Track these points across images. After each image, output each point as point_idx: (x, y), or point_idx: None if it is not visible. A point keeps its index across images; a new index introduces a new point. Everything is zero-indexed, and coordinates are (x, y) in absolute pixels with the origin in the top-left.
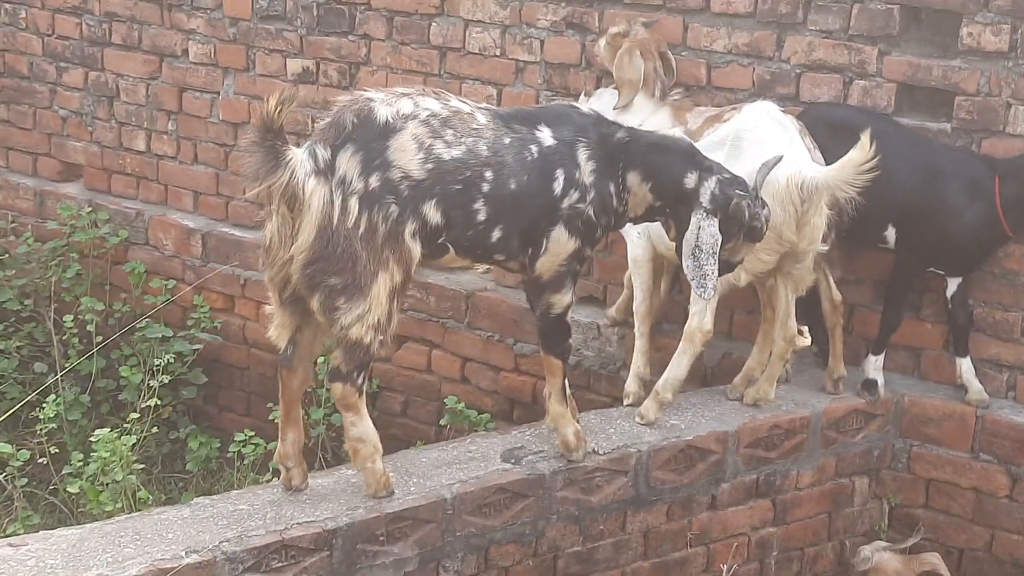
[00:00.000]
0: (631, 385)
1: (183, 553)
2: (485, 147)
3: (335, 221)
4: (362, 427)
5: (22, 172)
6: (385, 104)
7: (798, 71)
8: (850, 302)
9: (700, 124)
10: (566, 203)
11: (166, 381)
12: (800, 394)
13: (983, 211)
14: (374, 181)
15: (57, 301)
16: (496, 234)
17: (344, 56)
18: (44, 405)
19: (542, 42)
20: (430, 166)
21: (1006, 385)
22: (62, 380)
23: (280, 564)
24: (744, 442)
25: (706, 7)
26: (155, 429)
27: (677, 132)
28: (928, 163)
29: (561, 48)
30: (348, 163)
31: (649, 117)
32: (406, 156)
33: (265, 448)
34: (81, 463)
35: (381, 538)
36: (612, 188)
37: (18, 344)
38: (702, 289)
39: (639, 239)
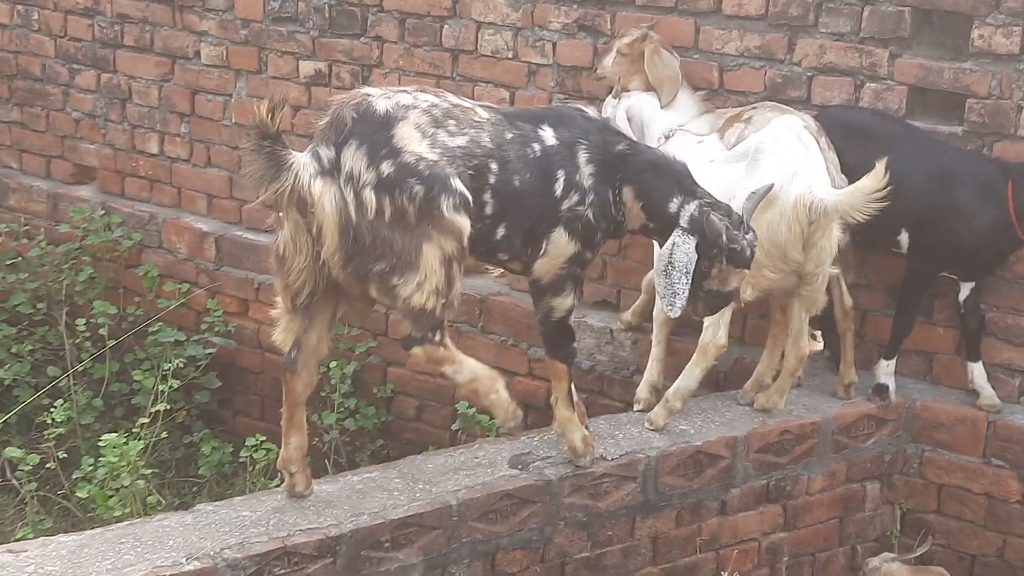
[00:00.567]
0: (642, 391)
1: (184, 560)
2: (488, 139)
3: (354, 217)
4: (466, 368)
5: (35, 174)
6: (383, 98)
7: (809, 74)
8: (862, 307)
9: (721, 124)
10: (566, 205)
11: (178, 386)
12: (811, 399)
13: (996, 216)
14: (387, 168)
15: (70, 305)
16: (500, 231)
17: (356, 58)
18: (54, 409)
19: (554, 44)
20: (439, 150)
21: (1018, 390)
22: (75, 384)
23: (283, 571)
24: (754, 447)
25: (718, 9)
26: (167, 434)
27: (710, 136)
28: (941, 167)
29: (573, 51)
30: (354, 158)
31: (695, 117)
32: (412, 142)
33: (277, 453)
34: (91, 467)
35: (386, 545)
36: (610, 196)
37: (31, 348)
38: (670, 308)
39: None
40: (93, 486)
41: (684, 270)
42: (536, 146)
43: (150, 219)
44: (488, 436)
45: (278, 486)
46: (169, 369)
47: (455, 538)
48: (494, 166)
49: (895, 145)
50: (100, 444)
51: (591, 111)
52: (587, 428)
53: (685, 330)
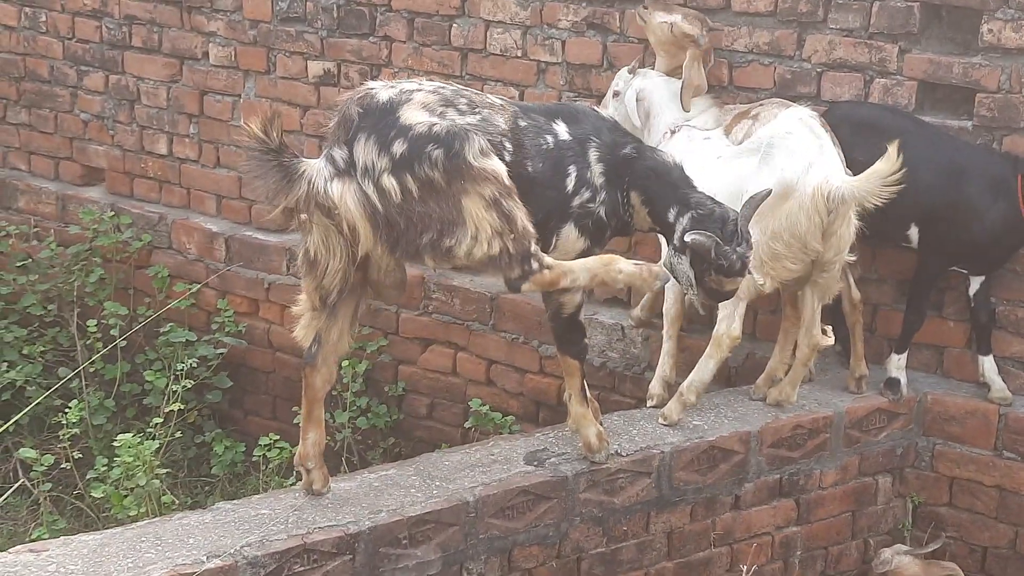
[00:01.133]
0: (655, 387)
1: (204, 558)
2: (502, 121)
3: (380, 206)
4: (580, 273)
5: (44, 176)
6: (386, 88)
7: (819, 70)
8: (873, 301)
9: (729, 121)
10: (577, 201)
11: (190, 386)
12: (823, 393)
13: (1006, 210)
14: (399, 147)
15: (81, 306)
16: None
17: (365, 58)
18: (68, 409)
19: (563, 43)
20: (447, 123)
21: None
22: (86, 385)
23: (302, 568)
24: (767, 442)
25: (727, 6)
26: (180, 433)
27: (716, 132)
28: (951, 162)
29: (582, 49)
30: (365, 151)
31: (701, 113)
32: (421, 118)
33: (290, 452)
34: (105, 468)
35: (404, 542)
36: (619, 196)
37: (42, 349)
38: (690, 290)
39: None
40: (108, 486)
41: (688, 283)
42: (549, 138)
43: (159, 220)
44: (501, 433)
45: (292, 485)
46: (181, 370)
47: (472, 534)
48: (509, 146)
49: (905, 140)
50: (114, 444)
51: (604, 112)
52: (601, 424)
53: (696, 325)
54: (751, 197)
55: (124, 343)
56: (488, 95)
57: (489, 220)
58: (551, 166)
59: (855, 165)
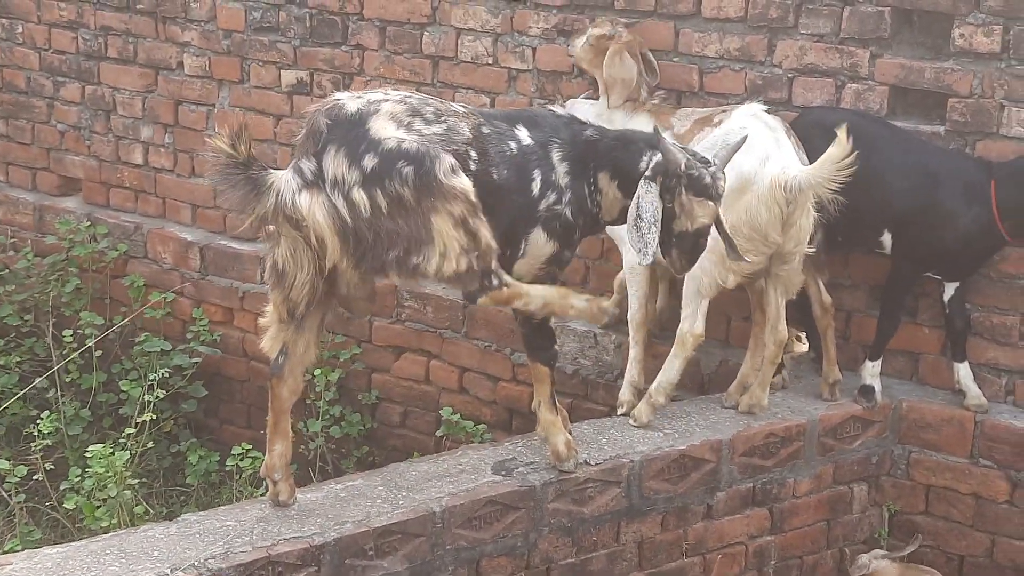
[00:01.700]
0: (625, 394)
1: (168, 571)
2: (467, 129)
3: (349, 219)
4: (533, 293)
5: (21, 187)
6: (354, 99)
7: (790, 75)
8: (847, 307)
9: (689, 127)
10: (543, 204)
11: (162, 396)
12: (796, 401)
13: (979, 215)
14: (369, 161)
15: (57, 316)
16: None
17: (338, 67)
18: (40, 420)
19: (534, 50)
20: (415, 136)
21: (1004, 389)
22: (62, 395)
23: None
24: (739, 451)
25: (697, 12)
26: (154, 443)
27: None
28: (923, 167)
29: (553, 56)
30: (335, 163)
31: (627, 122)
32: (389, 131)
33: (263, 461)
34: (79, 478)
35: (370, 553)
36: (585, 189)
37: (18, 359)
38: (644, 256)
39: None
40: (80, 497)
41: (652, 218)
42: (512, 144)
43: (135, 229)
44: (472, 442)
45: (264, 495)
46: (154, 379)
47: (439, 545)
48: (474, 154)
49: (877, 145)
50: (87, 455)
51: (559, 108)
52: (570, 432)
53: (668, 333)
54: (726, 143)
55: (100, 353)
56: (453, 103)
57: (457, 238)
58: (516, 172)
59: None
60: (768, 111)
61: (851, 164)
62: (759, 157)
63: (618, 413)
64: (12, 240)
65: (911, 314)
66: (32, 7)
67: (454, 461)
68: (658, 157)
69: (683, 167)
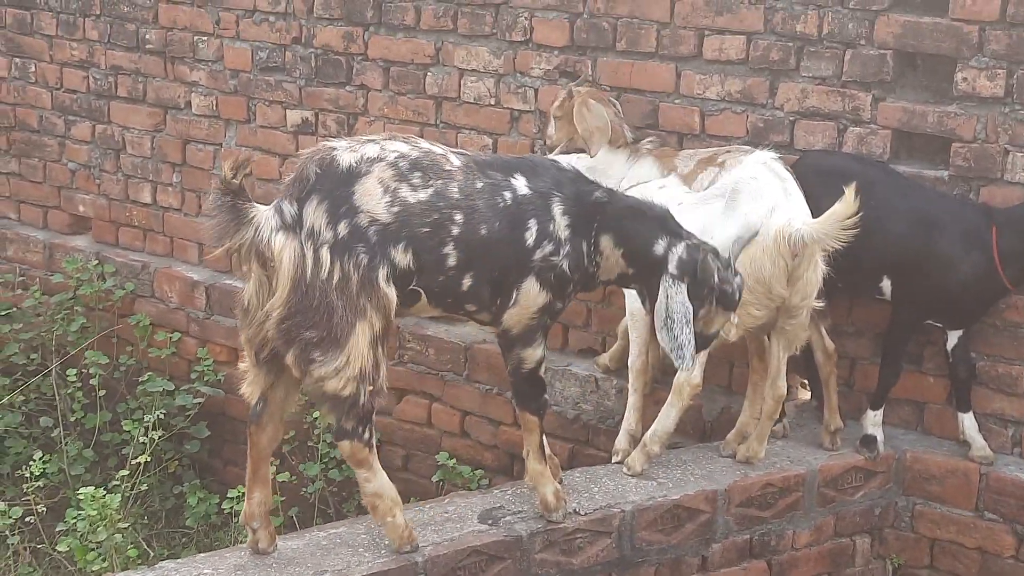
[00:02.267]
0: (621, 441)
1: None
2: (456, 190)
3: (308, 274)
4: (377, 482)
5: (33, 225)
6: (348, 151)
7: (792, 118)
8: (850, 355)
9: (692, 167)
10: (538, 255)
11: (159, 436)
12: (796, 451)
13: (980, 262)
14: (343, 229)
15: (63, 355)
16: (467, 282)
17: (342, 107)
18: (32, 463)
19: (536, 91)
20: (396, 209)
21: (1011, 441)
22: (67, 434)
23: None
24: (735, 501)
25: (698, 54)
26: (150, 484)
27: (669, 179)
28: (923, 212)
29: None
30: (315, 214)
31: (630, 168)
32: (372, 200)
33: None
34: (75, 520)
35: None
36: (585, 248)
37: (24, 398)
38: (680, 360)
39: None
40: (73, 540)
41: (684, 320)
42: (507, 194)
43: (143, 268)
44: (470, 488)
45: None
46: (150, 420)
47: None
48: (459, 217)
49: (875, 190)
50: (79, 497)
51: (564, 162)
52: (560, 481)
53: (670, 379)
54: (740, 237)
55: (104, 392)
56: (450, 156)
57: (363, 360)
58: (508, 222)
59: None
60: (777, 158)
61: (856, 222)
62: (766, 208)
63: (613, 461)
64: (21, 278)
65: (915, 362)
66: (45, 46)
67: (440, 509)
68: (680, 251)
69: (716, 279)
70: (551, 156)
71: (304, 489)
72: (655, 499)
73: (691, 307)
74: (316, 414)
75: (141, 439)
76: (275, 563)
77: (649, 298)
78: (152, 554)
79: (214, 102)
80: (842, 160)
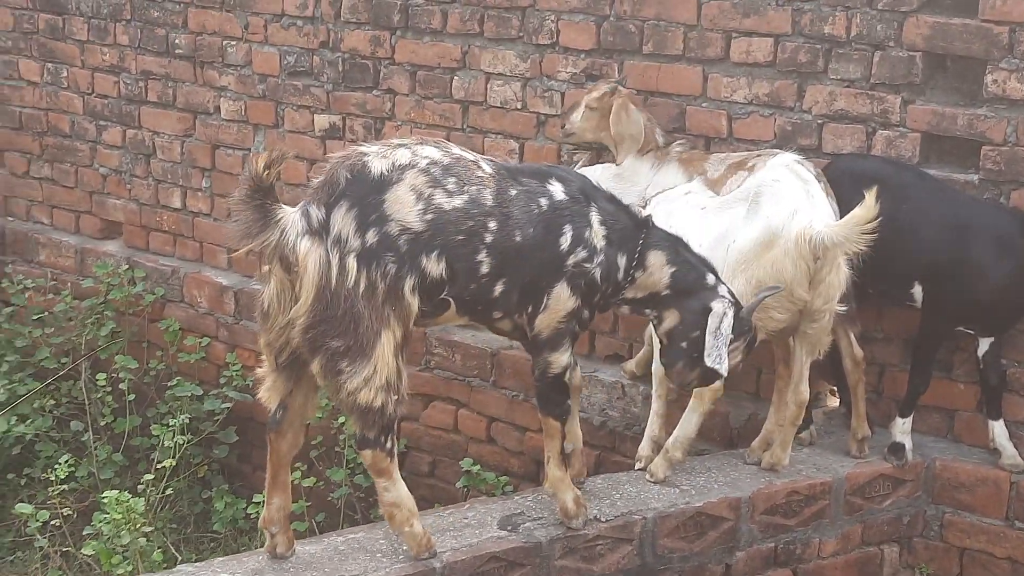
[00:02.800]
0: (644, 448)
1: None
2: (490, 196)
3: (334, 282)
4: (396, 492)
5: (65, 230)
6: (379, 157)
7: (820, 121)
8: (880, 361)
9: (723, 171)
10: (571, 260)
11: (185, 441)
12: (823, 458)
13: (1012, 269)
14: (371, 237)
15: (93, 359)
16: (499, 288)
17: (369, 111)
18: (57, 466)
19: (563, 94)
20: (430, 216)
21: None
22: (97, 439)
23: None
24: (759, 509)
25: (726, 57)
26: (177, 489)
27: (694, 184)
28: (955, 217)
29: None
30: (343, 221)
31: (655, 175)
32: (404, 208)
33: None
34: (100, 523)
35: None
36: (622, 261)
37: (54, 402)
38: (720, 367)
39: None
40: (99, 543)
41: (727, 338)
42: (543, 200)
43: (172, 273)
44: (494, 494)
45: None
46: (176, 424)
47: None
48: (492, 224)
49: (907, 194)
50: (103, 501)
51: (591, 173)
52: (581, 484)
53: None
54: (760, 292)
55: (133, 397)
56: (482, 163)
57: (388, 370)
58: (543, 228)
59: None
60: (801, 160)
61: (877, 226)
62: (788, 211)
63: (636, 467)
64: (53, 283)
65: (945, 369)
66: (76, 52)
67: (460, 515)
68: (724, 291)
69: (748, 327)
70: (578, 167)
71: (330, 494)
72: (677, 506)
73: (730, 336)
74: (342, 420)
75: (168, 443)
76: (293, 567)
77: (674, 317)
78: (180, 558)
79: (243, 107)
80: (875, 164)
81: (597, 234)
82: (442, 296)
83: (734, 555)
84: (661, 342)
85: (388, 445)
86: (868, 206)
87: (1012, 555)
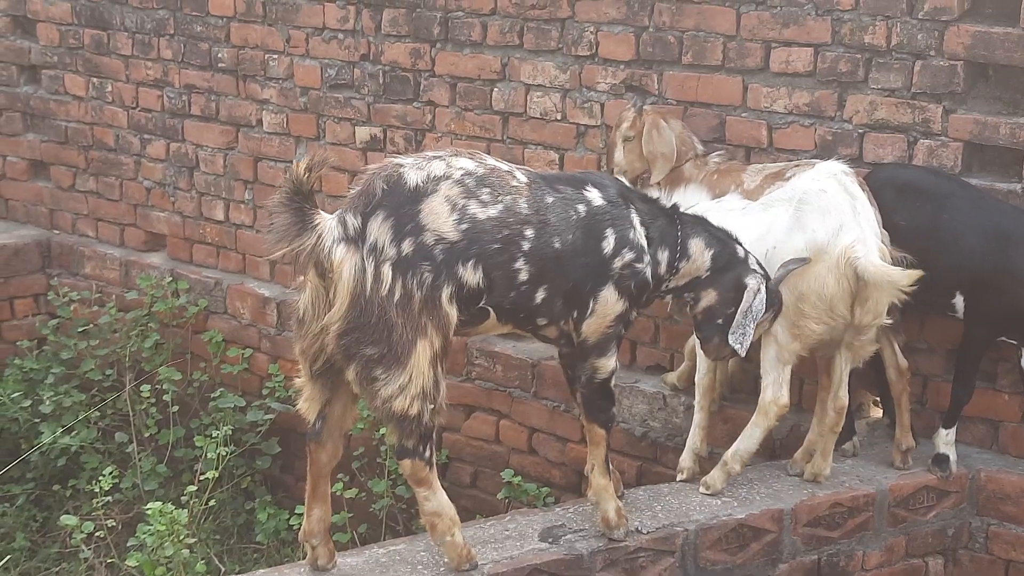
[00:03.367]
0: (685, 460)
1: None
2: (525, 205)
3: (368, 290)
4: (436, 501)
5: (110, 242)
6: (415, 168)
7: (861, 131)
8: (923, 372)
9: (759, 182)
10: (618, 263)
11: (228, 452)
12: (866, 470)
13: None
14: (407, 247)
15: (138, 371)
16: (540, 295)
17: (410, 123)
18: (102, 478)
19: (602, 105)
20: (465, 226)
21: None
22: (141, 450)
23: None
24: (802, 521)
25: (765, 67)
26: (220, 500)
27: (730, 197)
28: (997, 227)
29: (621, 111)
30: (379, 230)
31: (682, 195)
32: (439, 219)
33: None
34: (144, 535)
35: None
36: (665, 255)
37: (99, 414)
38: (739, 345)
39: None
40: (142, 555)
41: (757, 315)
42: (581, 207)
43: (215, 285)
44: (535, 506)
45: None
46: (219, 436)
47: None
48: (529, 232)
49: (949, 204)
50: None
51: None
52: (621, 496)
53: (740, 395)
54: (788, 261)
55: (177, 408)
56: (516, 172)
57: (424, 379)
58: (583, 234)
59: (898, 229)
60: (848, 172)
61: (919, 235)
62: (834, 226)
63: (677, 479)
64: (98, 295)
65: (990, 380)
66: (121, 66)
67: (501, 527)
68: (753, 262)
69: (777, 298)
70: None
71: (372, 506)
72: (719, 518)
73: (763, 310)
74: (383, 431)
75: (211, 455)
76: None
77: (711, 296)
78: (223, 569)
79: (285, 119)
80: (918, 173)
81: (639, 233)
82: (481, 305)
83: (777, 567)
84: (696, 319)
85: (427, 454)
86: (911, 276)
87: None
